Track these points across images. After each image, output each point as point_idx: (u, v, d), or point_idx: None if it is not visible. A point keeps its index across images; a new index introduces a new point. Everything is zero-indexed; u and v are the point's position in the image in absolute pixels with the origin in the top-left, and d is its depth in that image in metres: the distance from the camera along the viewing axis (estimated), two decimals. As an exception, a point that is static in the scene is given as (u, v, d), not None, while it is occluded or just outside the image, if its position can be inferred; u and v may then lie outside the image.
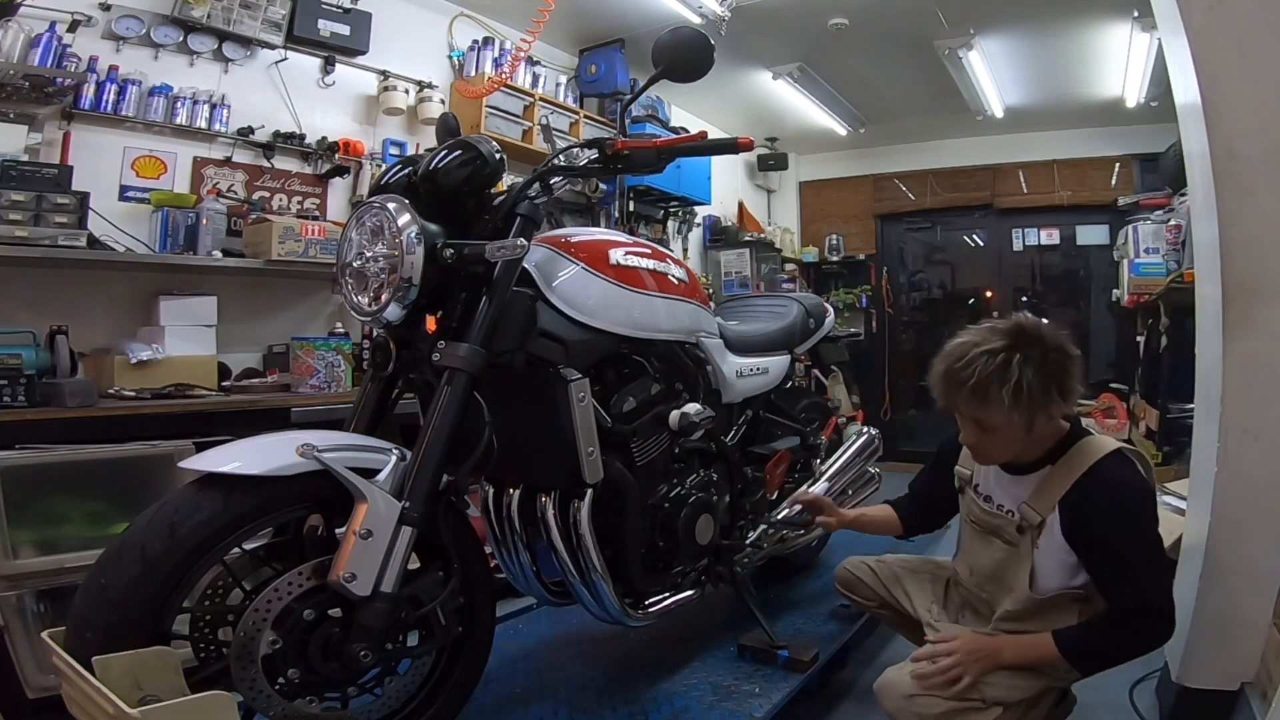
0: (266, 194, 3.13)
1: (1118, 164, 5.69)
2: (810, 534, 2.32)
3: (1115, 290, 5.48)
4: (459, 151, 1.45)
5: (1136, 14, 3.54)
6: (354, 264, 1.44)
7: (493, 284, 1.41)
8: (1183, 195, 4.55)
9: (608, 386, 1.68)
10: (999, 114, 5.18)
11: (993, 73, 4.43)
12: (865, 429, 2.60)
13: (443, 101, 3.73)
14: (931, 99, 5.08)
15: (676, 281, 1.82)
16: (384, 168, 2.15)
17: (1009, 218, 6.32)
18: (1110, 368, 5.86)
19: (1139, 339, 5.13)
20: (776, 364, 2.24)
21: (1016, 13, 3.76)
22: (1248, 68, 1.63)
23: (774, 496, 2.23)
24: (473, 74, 3.86)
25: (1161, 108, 4.73)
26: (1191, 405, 3.72)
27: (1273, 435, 1.69)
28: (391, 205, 1.39)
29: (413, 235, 1.37)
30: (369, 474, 1.25)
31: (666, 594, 1.83)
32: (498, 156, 1.47)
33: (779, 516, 2.15)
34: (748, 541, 2.07)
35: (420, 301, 1.42)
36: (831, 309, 2.56)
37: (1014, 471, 1.59)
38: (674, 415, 1.74)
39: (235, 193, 3.01)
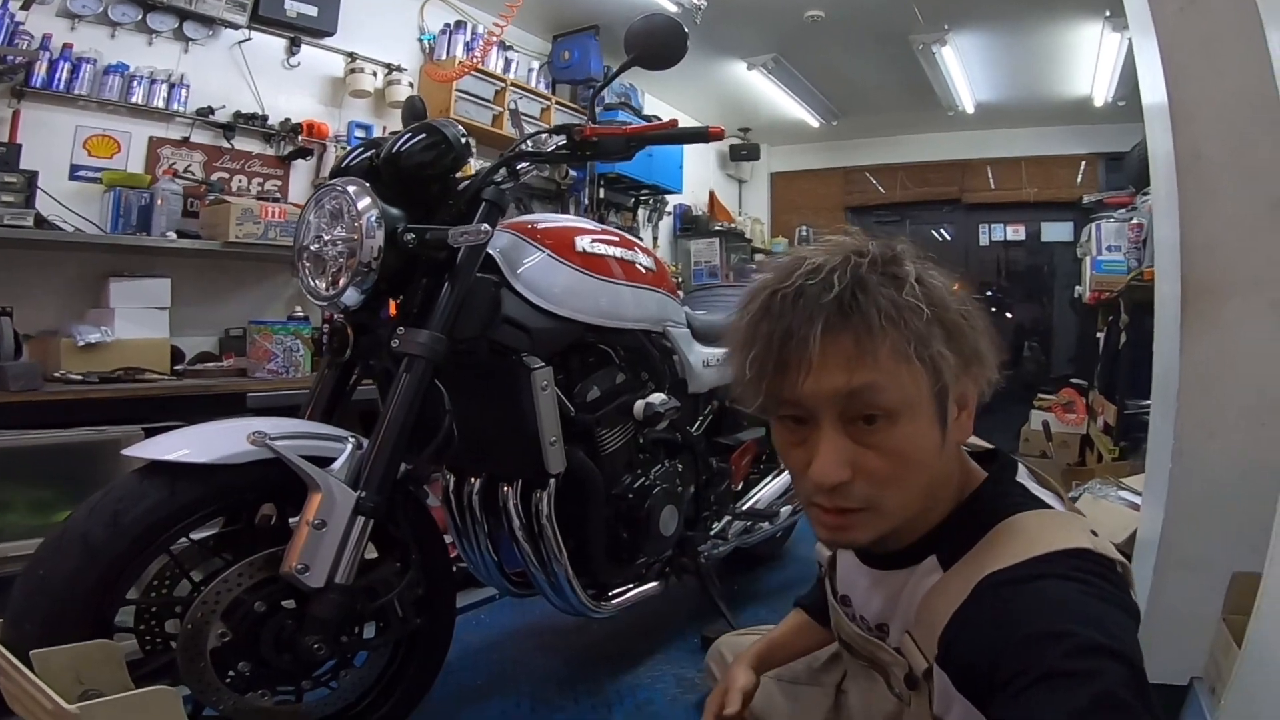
0: (225, 175, 3.04)
1: (1084, 162, 5.78)
2: (776, 525, 2.32)
3: (1078, 287, 5.58)
4: (423, 135, 1.42)
5: (1108, 13, 3.58)
6: (311, 247, 1.41)
7: (455, 270, 1.38)
8: (1145, 194, 4.62)
9: (572, 375, 1.66)
10: (970, 110, 5.23)
11: (965, 69, 4.47)
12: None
13: (411, 85, 3.65)
14: (904, 93, 5.10)
15: (644, 270, 1.80)
16: (346, 150, 2.09)
17: (977, 213, 6.39)
18: (1070, 363, 5.96)
19: (1099, 335, 5.24)
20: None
21: (991, 10, 3.79)
22: (1216, 69, 1.64)
23: (739, 487, 2.24)
24: (443, 58, 3.79)
25: (1128, 107, 4.80)
26: (1148, 402, 3.82)
27: (1228, 433, 1.71)
28: (351, 188, 1.36)
29: (372, 219, 1.33)
30: (324, 462, 1.22)
31: (630, 585, 1.82)
32: (463, 141, 1.44)
33: (744, 508, 2.15)
34: (712, 533, 2.07)
35: (380, 286, 1.38)
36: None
37: (878, 560, 0.85)
38: (639, 405, 1.73)
39: (193, 174, 2.92)
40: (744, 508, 2.16)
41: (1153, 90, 1.81)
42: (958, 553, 0.74)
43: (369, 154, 1.46)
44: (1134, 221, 4.01)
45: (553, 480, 1.52)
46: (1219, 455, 1.72)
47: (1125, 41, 3.70)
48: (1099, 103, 4.88)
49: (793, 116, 5.75)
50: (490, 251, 1.50)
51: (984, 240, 6.51)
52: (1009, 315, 6.44)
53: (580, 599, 1.64)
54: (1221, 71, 1.64)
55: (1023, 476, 0.84)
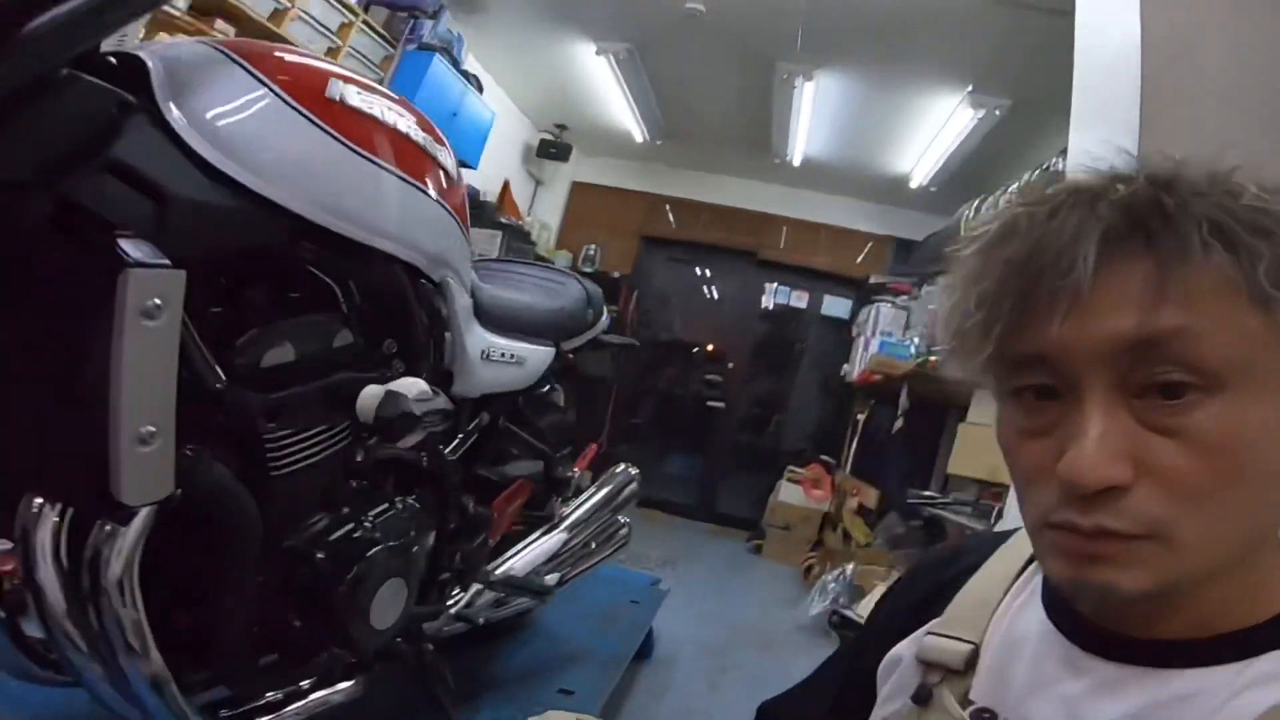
0: None
1: (871, 243, 5.94)
2: (543, 602, 1.69)
3: (845, 365, 5.68)
4: None
5: (971, 88, 3.53)
6: None
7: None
8: (930, 285, 4.77)
9: (243, 313, 0.92)
10: (796, 162, 5.08)
11: (814, 114, 4.25)
12: (624, 466, 2.05)
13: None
14: (743, 127, 4.82)
15: (434, 168, 1.11)
16: None
17: (767, 271, 6.34)
18: (810, 439, 6.06)
19: (859, 416, 5.32)
20: (537, 356, 1.60)
21: (866, 54, 3.59)
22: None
23: (495, 542, 1.58)
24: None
25: (939, 195, 4.94)
26: (930, 492, 3.82)
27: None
28: None
29: None
30: None
31: (291, 693, 1.09)
32: None
33: (501, 573, 1.49)
34: (452, 607, 1.39)
35: None
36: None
37: (1124, 646, 0.48)
38: (369, 394, 1.02)
39: None
40: (501, 573, 1.50)
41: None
42: None
43: None
44: (929, 307, 4.00)
45: (139, 516, 0.76)
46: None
47: (974, 121, 3.68)
48: (915, 184, 4.97)
49: (618, 124, 5.27)
50: (141, 55, 0.78)
51: (767, 301, 6.49)
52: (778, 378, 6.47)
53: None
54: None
55: None
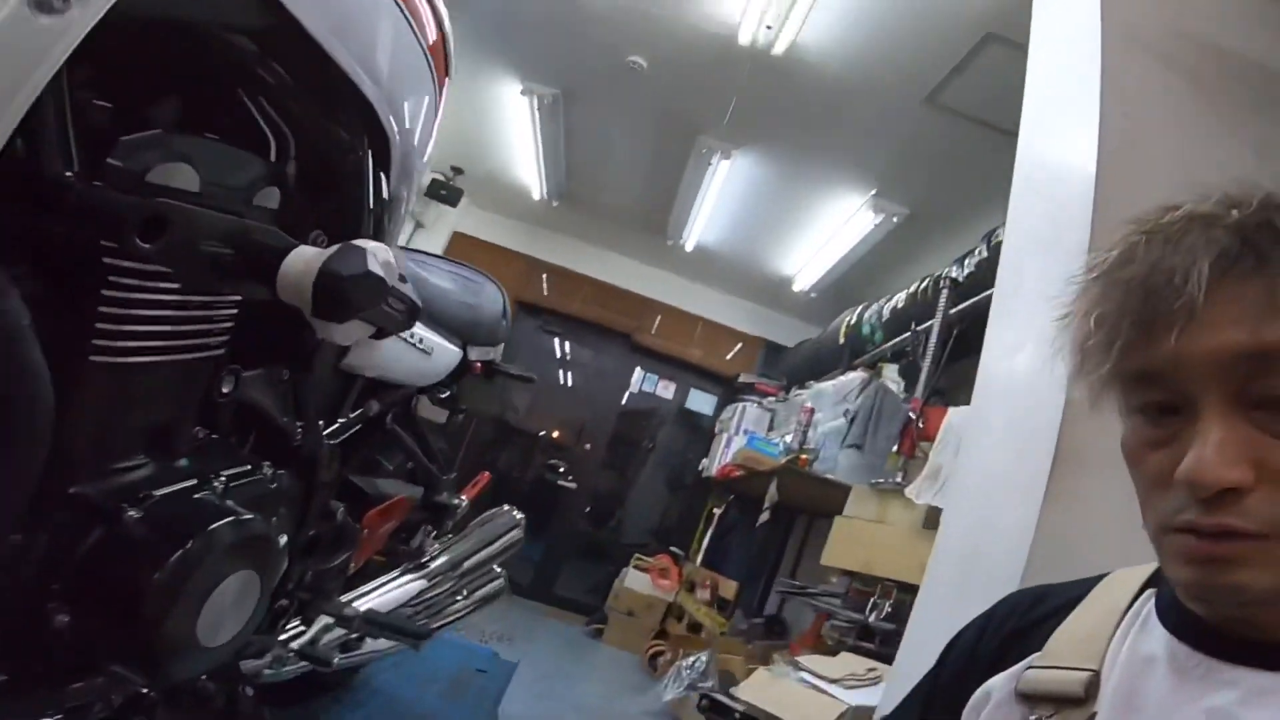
0: None
1: (745, 343, 6.07)
2: (406, 645, 1.37)
3: (705, 460, 5.69)
4: None
5: (875, 191, 3.66)
6: None
7: None
8: (799, 390, 4.91)
9: (147, 116, 0.64)
10: (689, 248, 5.12)
11: (720, 196, 4.28)
12: (508, 508, 1.79)
13: None
14: (646, 199, 4.80)
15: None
16: None
17: (639, 356, 6.30)
18: (651, 533, 6.02)
19: (715, 510, 5.31)
20: (445, 353, 1.37)
21: (787, 143, 3.67)
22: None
23: (356, 568, 1.27)
24: None
25: (817, 303, 5.12)
26: (799, 582, 3.76)
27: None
28: None
29: None
30: None
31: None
32: None
33: (360, 606, 1.19)
34: (290, 641, 1.07)
35: None
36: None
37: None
38: (306, 253, 0.72)
39: None
40: (360, 606, 1.19)
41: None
42: None
43: None
44: (807, 405, 4.06)
45: None
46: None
47: (872, 226, 3.83)
48: (798, 287, 5.12)
49: (518, 178, 5.13)
50: None
51: (635, 386, 6.43)
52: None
53: None
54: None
55: None
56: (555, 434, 6.34)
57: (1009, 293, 1.76)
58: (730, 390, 5.94)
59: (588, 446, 6.32)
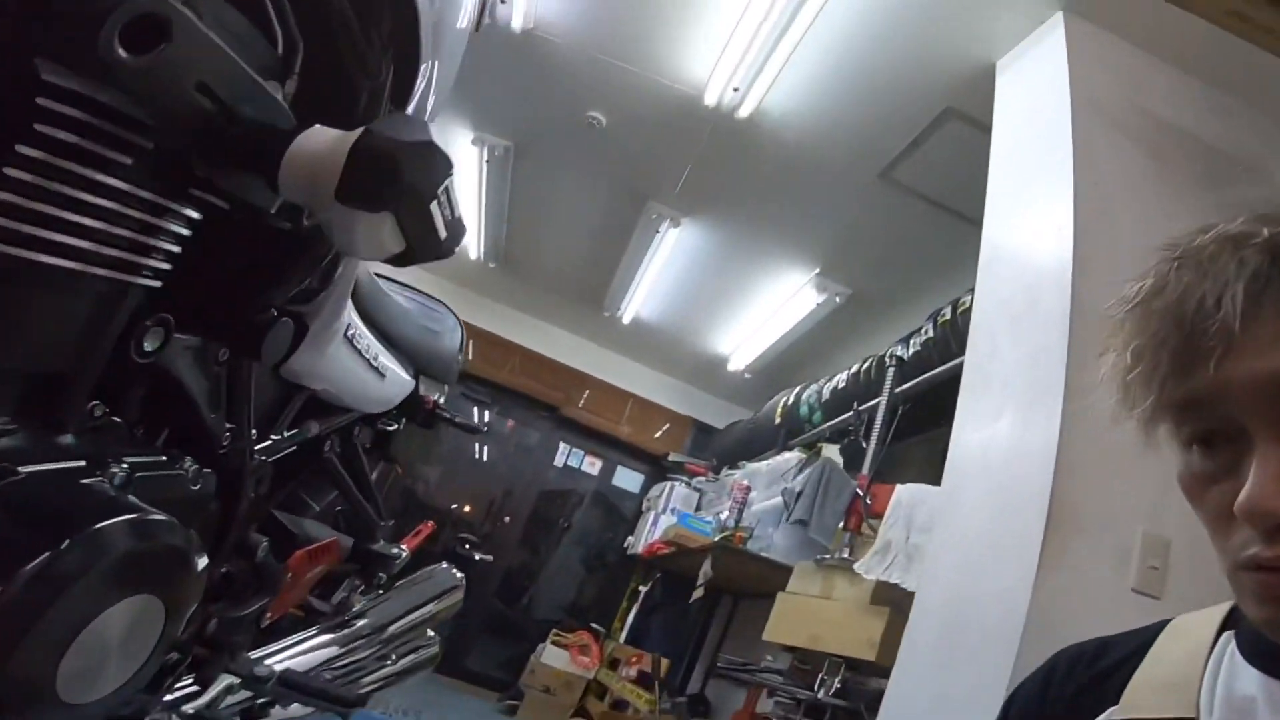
0: None
1: (674, 423, 5.98)
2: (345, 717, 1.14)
3: (630, 537, 5.51)
4: None
5: (819, 271, 3.67)
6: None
7: None
8: (730, 471, 4.84)
9: None
10: (626, 320, 5.03)
11: (664, 265, 4.21)
12: (446, 566, 1.59)
13: None
14: (588, 266, 4.68)
15: None
16: None
17: (565, 430, 6.12)
18: (565, 609, 5.84)
19: (640, 588, 5.12)
20: (397, 380, 1.21)
21: (737, 214, 3.63)
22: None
23: (271, 620, 1.05)
24: None
25: (752, 384, 5.09)
26: (739, 658, 3.58)
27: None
28: None
29: None
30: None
31: None
32: None
33: (273, 664, 0.97)
34: (184, 706, 0.85)
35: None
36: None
37: None
38: (326, 134, 0.56)
39: None
40: (273, 664, 0.98)
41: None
42: None
43: None
44: (743, 483, 3.97)
45: None
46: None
47: (814, 305, 3.85)
48: (732, 367, 5.08)
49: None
50: None
51: (559, 460, 6.22)
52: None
53: None
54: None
55: None
56: (467, 508, 6.03)
57: (982, 362, 1.74)
58: (658, 469, 5.84)
59: (507, 519, 6.04)
